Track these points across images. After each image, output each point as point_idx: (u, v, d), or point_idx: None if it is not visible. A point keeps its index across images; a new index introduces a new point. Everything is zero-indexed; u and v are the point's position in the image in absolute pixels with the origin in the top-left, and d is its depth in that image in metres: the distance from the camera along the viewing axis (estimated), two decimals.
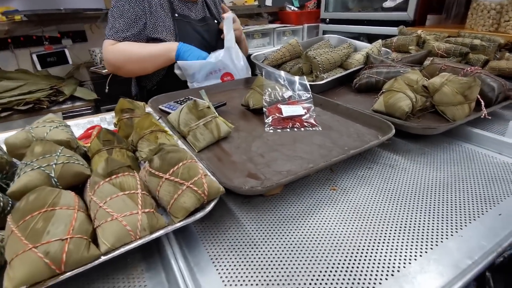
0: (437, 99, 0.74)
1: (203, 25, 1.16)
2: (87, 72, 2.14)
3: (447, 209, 0.50)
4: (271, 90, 0.82)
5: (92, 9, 1.94)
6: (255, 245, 0.45)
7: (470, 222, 0.47)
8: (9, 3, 1.84)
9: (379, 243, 0.44)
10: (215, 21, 1.21)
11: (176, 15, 1.09)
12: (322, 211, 0.51)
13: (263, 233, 0.47)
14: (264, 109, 0.78)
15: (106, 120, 0.83)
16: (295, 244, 0.45)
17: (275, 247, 0.44)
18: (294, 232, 0.47)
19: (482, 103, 0.73)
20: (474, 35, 1.18)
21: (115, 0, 1.01)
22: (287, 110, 0.76)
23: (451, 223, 0.47)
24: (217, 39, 1.17)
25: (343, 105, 0.80)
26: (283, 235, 0.46)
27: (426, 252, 0.42)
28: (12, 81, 1.78)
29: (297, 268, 0.41)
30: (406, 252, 0.42)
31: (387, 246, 0.43)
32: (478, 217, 0.48)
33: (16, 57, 1.99)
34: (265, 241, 0.46)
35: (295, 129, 0.73)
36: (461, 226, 0.46)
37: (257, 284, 0.39)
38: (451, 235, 0.45)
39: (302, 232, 0.47)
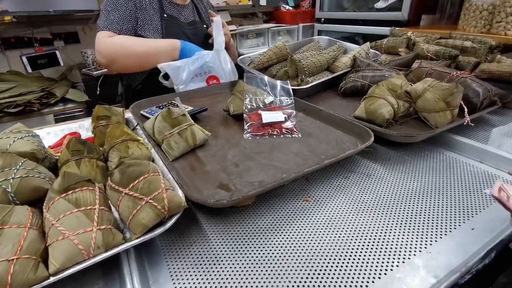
0: (420, 105, 0.73)
1: (192, 28, 1.16)
2: (79, 74, 2.13)
3: (419, 223, 0.48)
4: (252, 96, 0.80)
5: (83, 11, 1.93)
6: (218, 261, 0.44)
7: (440, 237, 0.45)
8: None
9: (347, 258, 0.43)
10: (204, 26, 1.20)
11: (165, 15, 1.08)
12: (293, 224, 0.50)
13: (229, 248, 0.46)
14: (244, 115, 0.77)
15: (85, 126, 0.82)
16: (262, 260, 0.44)
17: (241, 264, 0.43)
18: (261, 247, 0.46)
19: (465, 109, 0.71)
20: (465, 36, 1.16)
21: None
22: (267, 117, 0.74)
23: (421, 238, 0.45)
24: (205, 43, 1.16)
25: (325, 110, 0.79)
26: (250, 251, 0.45)
27: (391, 269, 0.41)
28: (3, 83, 1.78)
29: (261, 286, 0.40)
30: (372, 269, 0.41)
31: (354, 262, 0.42)
32: (450, 231, 0.47)
33: (7, 58, 1.98)
34: (230, 257, 0.44)
35: (274, 136, 0.72)
36: (430, 241, 0.45)
37: None
38: (419, 251, 0.43)
39: (271, 247, 0.46)
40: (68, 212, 0.39)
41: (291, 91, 0.84)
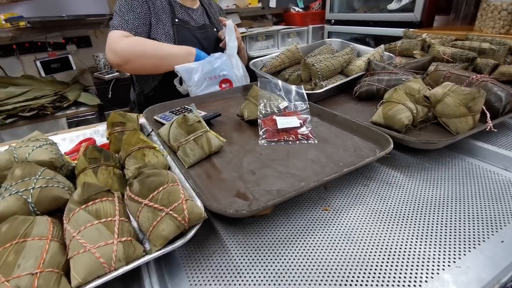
0: (439, 110, 0.71)
1: (203, 32, 1.16)
2: (91, 77, 2.16)
3: (445, 235, 0.47)
4: (267, 101, 0.79)
5: (95, 15, 1.95)
6: (239, 273, 0.43)
7: (469, 251, 0.44)
8: (13, 9, 1.87)
9: (369, 273, 0.41)
10: (215, 29, 1.20)
11: (176, 20, 1.08)
12: (312, 235, 0.49)
13: (249, 259, 0.45)
14: (259, 120, 0.76)
15: (100, 132, 0.83)
16: (282, 271, 0.43)
17: (262, 275, 0.42)
18: (281, 259, 0.45)
19: (488, 114, 0.69)
20: (483, 38, 1.13)
21: None
22: (282, 122, 0.73)
23: (449, 251, 0.44)
24: (215, 47, 1.16)
25: (341, 115, 0.77)
26: (269, 262, 0.44)
27: (420, 285, 0.39)
28: (18, 87, 1.81)
29: None
30: (400, 284, 0.39)
31: (378, 277, 0.41)
32: (479, 244, 0.45)
33: (22, 63, 2.02)
34: (250, 268, 0.44)
35: (290, 142, 0.71)
36: (459, 255, 0.43)
37: None
38: (448, 265, 0.42)
39: (290, 259, 0.44)
40: (89, 224, 0.38)
41: (305, 96, 0.83)
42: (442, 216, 0.51)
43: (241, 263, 0.45)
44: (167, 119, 0.82)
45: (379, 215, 0.52)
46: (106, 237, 0.38)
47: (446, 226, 0.48)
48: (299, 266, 0.43)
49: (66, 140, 0.80)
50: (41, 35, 1.99)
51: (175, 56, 1.00)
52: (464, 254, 0.43)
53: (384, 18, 2.03)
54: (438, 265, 0.42)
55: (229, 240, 0.49)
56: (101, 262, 0.36)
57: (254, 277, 0.42)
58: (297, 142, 0.70)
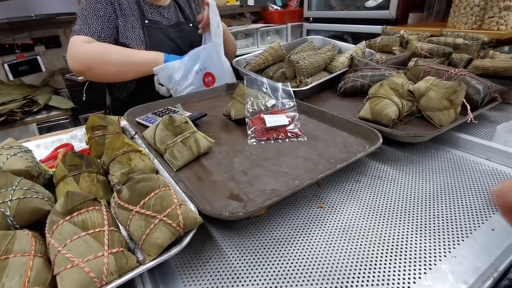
0: (423, 104, 0.72)
1: (177, 31, 1.10)
2: (62, 79, 2.05)
3: (438, 226, 0.48)
4: (254, 99, 0.78)
5: (65, 14, 1.85)
6: (238, 277, 0.42)
7: (463, 240, 0.45)
8: None
9: (369, 268, 0.41)
10: (191, 25, 1.15)
11: (146, 21, 1.02)
12: (309, 233, 0.48)
13: (247, 262, 0.44)
14: (246, 119, 0.75)
15: (78, 137, 0.78)
16: (281, 273, 0.41)
17: (262, 278, 0.41)
18: (280, 259, 0.44)
19: (468, 107, 0.71)
20: (456, 33, 1.17)
21: None
22: (271, 120, 0.72)
23: (444, 242, 0.45)
24: (192, 46, 1.10)
25: (329, 112, 0.77)
26: (268, 264, 0.43)
27: (419, 277, 0.39)
28: None
29: None
30: (400, 278, 0.40)
31: (378, 272, 0.41)
32: (471, 233, 0.46)
33: None
34: (250, 272, 0.42)
35: (279, 141, 0.70)
36: (453, 245, 0.44)
37: None
38: (444, 255, 0.42)
39: (288, 259, 0.44)
40: (75, 236, 0.35)
41: (292, 93, 0.82)
42: (433, 208, 0.52)
43: (239, 266, 0.43)
44: (150, 121, 0.78)
45: (373, 210, 0.52)
46: (95, 249, 0.35)
47: (438, 218, 0.49)
48: (298, 266, 0.42)
49: (41, 147, 0.75)
50: (8, 36, 1.87)
51: (141, 63, 0.94)
52: (458, 244, 0.44)
53: (361, 16, 2.08)
54: (435, 256, 0.42)
55: (225, 243, 0.47)
56: (92, 276, 0.33)
57: (254, 280, 0.41)
58: (287, 140, 0.70)
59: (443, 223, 0.48)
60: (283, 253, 0.45)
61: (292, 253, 0.45)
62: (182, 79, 0.98)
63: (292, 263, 0.43)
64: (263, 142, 0.69)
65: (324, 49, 1.11)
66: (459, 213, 0.50)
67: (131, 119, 0.82)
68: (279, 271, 0.42)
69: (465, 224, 0.48)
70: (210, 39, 1.05)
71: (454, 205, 0.52)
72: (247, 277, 0.41)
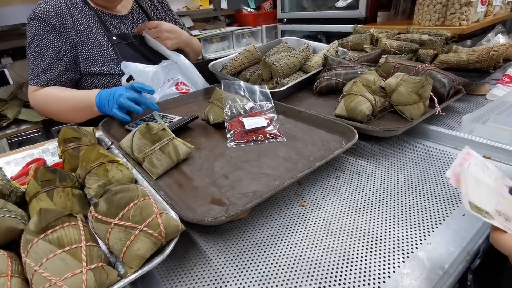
0: (395, 99, 0.75)
1: (145, 42, 1.03)
2: None
3: (414, 215, 0.50)
4: (232, 103, 0.78)
5: None
6: (223, 282, 0.41)
7: (436, 227, 0.47)
8: None
9: (351, 262, 0.42)
10: None
11: (114, 37, 0.95)
12: (292, 233, 0.49)
13: (232, 266, 0.44)
14: (225, 123, 0.75)
15: (50, 151, 0.75)
16: (266, 274, 0.42)
17: (248, 281, 0.41)
18: (264, 261, 0.44)
19: (436, 100, 0.75)
20: (421, 30, 1.23)
21: (31, 35, 0.86)
22: (249, 123, 0.73)
23: (419, 230, 0.47)
24: (162, 54, 1.04)
25: (306, 111, 0.79)
26: (253, 266, 0.43)
27: (398, 266, 0.41)
28: None
29: None
30: (380, 269, 0.41)
31: (360, 264, 0.42)
32: (444, 219, 0.48)
33: None
34: (235, 276, 0.42)
35: (259, 142, 0.70)
36: (429, 232, 0.46)
37: None
38: (420, 243, 0.44)
39: (273, 260, 0.44)
40: (51, 254, 0.34)
41: (270, 95, 0.83)
42: (409, 198, 0.54)
43: (224, 271, 0.43)
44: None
45: (353, 205, 0.53)
46: (73, 266, 0.34)
47: (413, 207, 0.51)
48: (283, 265, 0.43)
49: (11, 163, 0.71)
50: None
51: (80, 109, 0.86)
52: (433, 231, 0.46)
53: (333, 15, 2.13)
54: (412, 245, 0.44)
55: (209, 249, 0.47)
56: None
57: (240, 283, 0.41)
58: (266, 141, 0.70)
59: (418, 212, 0.50)
60: (267, 254, 0.45)
61: (276, 253, 0.45)
62: (154, 86, 0.96)
63: (277, 263, 0.44)
64: (243, 145, 0.70)
65: (298, 49, 1.13)
66: (432, 201, 0.52)
67: (107, 129, 0.80)
68: (264, 272, 0.42)
69: (438, 212, 0.50)
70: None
71: (427, 194, 0.54)
72: (233, 281, 0.41)
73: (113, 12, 0.99)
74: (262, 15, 2.66)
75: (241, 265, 0.44)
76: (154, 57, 1.02)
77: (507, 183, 0.37)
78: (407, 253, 0.43)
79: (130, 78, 0.92)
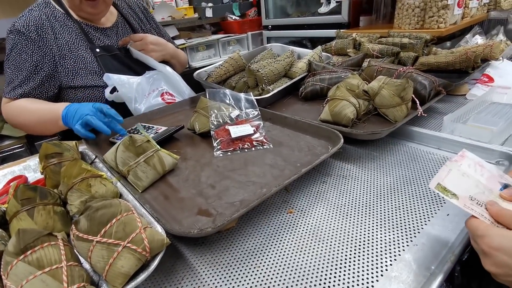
0: (378, 102, 0.76)
1: (129, 54, 1.03)
2: None
3: (399, 217, 0.50)
4: (217, 111, 0.78)
5: None
6: None
7: (422, 228, 0.47)
8: None
9: (340, 267, 0.42)
10: None
11: (97, 49, 0.94)
12: (280, 240, 0.48)
13: (220, 278, 0.43)
14: (211, 132, 0.74)
15: (31, 167, 0.73)
16: (255, 284, 0.41)
17: None
18: (253, 271, 0.43)
19: (417, 101, 0.76)
20: (402, 34, 1.26)
21: (10, 48, 0.86)
22: (236, 131, 0.73)
23: (405, 232, 0.47)
24: (146, 65, 1.04)
25: (292, 117, 0.79)
26: (242, 277, 0.43)
27: (386, 269, 0.41)
28: None
29: None
30: (368, 273, 0.41)
31: (349, 270, 0.42)
32: (429, 220, 0.49)
33: None
34: (222, 287, 0.42)
35: (246, 150, 0.70)
36: (415, 233, 0.46)
37: None
38: (407, 245, 0.45)
39: (262, 269, 0.44)
40: (31, 276, 0.33)
41: (255, 102, 0.83)
42: (395, 200, 0.54)
43: (213, 284, 0.42)
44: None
45: (340, 209, 0.54)
46: (54, 287, 0.33)
47: (399, 209, 0.52)
48: (272, 274, 0.43)
49: None
50: None
51: (47, 122, 0.85)
52: (419, 232, 0.47)
53: (316, 21, 2.16)
54: (399, 247, 0.44)
55: (197, 261, 0.46)
56: None
57: None
58: (253, 149, 0.70)
59: (403, 214, 0.51)
60: (256, 264, 0.45)
61: (265, 262, 0.45)
62: (140, 97, 0.96)
63: (266, 272, 0.43)
64: (229, 153, 0.69)
65: (283, 55, 1.14)
66: (417, 202, 0.53)
67: (91, 142, 0.78)
68: (253, 282, 0.42)
69: (423, 213, 0.51)
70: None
71: (412, 195, 0.55)
72: None
73: (97, 24, 0.98)
74: (247, 23, 2.68)
75: (230, 276, 0.43)
76: (140, 69, 1.01)
77: (503, 180, 0.39)
78: (394, 255, 0.43)
79: (113, 90, 0.91)
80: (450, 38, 1.64)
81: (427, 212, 0.51)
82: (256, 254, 0.46)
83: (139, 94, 0.94)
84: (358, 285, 0.40)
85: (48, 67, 0.88)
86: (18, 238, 0.35)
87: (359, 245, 0.45)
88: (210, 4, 2.59)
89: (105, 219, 0.39)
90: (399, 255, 0.43)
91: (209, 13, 2.55)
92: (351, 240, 0.47)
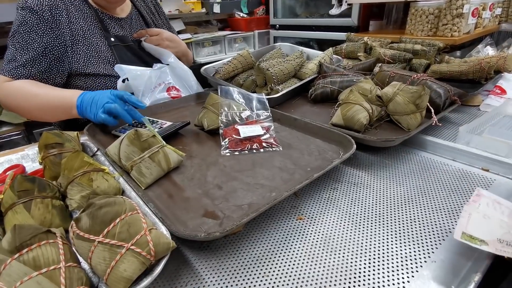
0: (391, 108, 0.74)
1: (141, 46, 1.02)
2: None
3: (416, 231, 0.48)
4: (228, 109, 0.75)
5: None
6: None
7: (440, 243, 0.45)
8: None
9: (354, 281, 0.40)
10: None
11: (112, 39, 0.92)
12: (290, 248, 0.46)
13: (226, 285, 0.41)
14: (220, 130, 0.72)
15: (29, 156, 0.70)
16: None
17: None
18: (260, 279, 0.41)
19: (432, 110, 0.74)
20: (414, 40, 1.24)
21: (18, 24, 0.80)
22: (245, 131, 0.70)
23: (423, 246, 0.45)
24: (157, 59, 1.04)
25: (301, 119, 0.77)
26: (248, 285, 0.40)
27: (404, 287, 0.39)
28: None
29: None
30: None
31: (363, 284, 0.39)
32: (447, 235, 0.47)
33: None
34: None
35: (254, 151, 0.68)
36: (432, 249, 0.44)
37: None
38: (425, 261, 0.42)
39: (270, 278, 0.41)
40: (26, 277, 0.30)
41: (267, 104, 0.81)
42: (410, 212, 0.52)
43: None
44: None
45: (353, 218, 0.51)
46: None
47: (416, 222, 0.50)
48: (279, 283, 0.40)
49: None
50: None
51: (56, 108, 0.80)
52: (437, 248, 0.44)
53: (325, 23, 2.14)
54: (416, 263, 0.42)
55: (201, 267, 0.44)
56: None
57: None
58: (261, 150, 0.68)
59: (419, 227, 0.49)
60: (264, 272, 0.42)
61: (273, 270, 0.42)
62: (146, 90, 0.93)
63: (274, 282, 0.41)
64: (237, 153, 0.67)
65: (292, 55, 1.12)
66: (433, 215, 0.51)
67: (93, 134, 0.76)
68: None
69: (440, 227, 0.48)
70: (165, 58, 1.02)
71: (428, 208, 0.53)
72: None
73: (112, 13, 0.96)
74: (254, 21, 2.65)
75: (236, 284, 0.41)
76: (151, 62, 1.00)
77: None
78: (412, 272, 0.41)
79: (123, 81, 0.89)
80: (460, 47, 1.62)
81: (444, 226, 0.48)
82: (264, 262, 0.44)
83: (146, 87, 0.91)
84: None
85: (58, 51, 0.84)
86: (13, 234, 0.33)
87: (374, 259, 0.43)
88: (218, 0, 2.56)
89: (108, 218, 0.36)
90: (417, 271, 0.41)
91: (216, 8, 2.52)
92: (365, 253, 0.44)
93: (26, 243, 0.32)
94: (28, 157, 0.69)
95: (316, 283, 0.40)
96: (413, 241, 0.46)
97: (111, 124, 0.73)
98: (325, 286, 0.39)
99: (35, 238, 0.33)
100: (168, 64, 1.00)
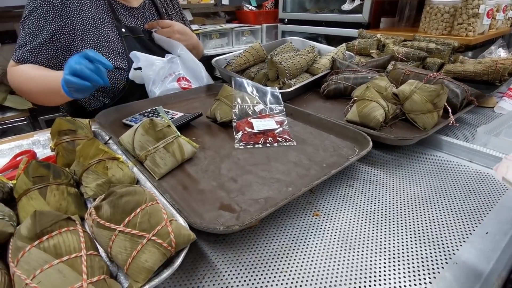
0: (408, 107, 0.73)
1: (152, 38, 1.00)
2: None
3: (436, 231, 0.47)
4: (241, 102, 0.74)
5: (22, 6, 1.68)
6: None
7: (461, 245, 0.44)
8: None
9: (374, 280, 0.39)
10: None
11: (123, 29, 0.90)
12: (307, 244, 0.45)
13: (243, 278, 0.40)
14: (233, 123, 0.71)
15: (41, 142, 0.69)
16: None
17: None
18: (277, 273, 0.40)
19: (450, 110, 0.73)
20: (428, 38, 1.22)
21: (30, 10, 0.80)
22: (259, 124, 0.69)
23: (443, 248, 0.44)
24: (167, 52, 1.02)
25: (315, 115, 0.76)
26: (265, 279, 0.40)
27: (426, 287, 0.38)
28: None
29: None
30: None
31: (384, 284, 0.39)
32: (467, 237, 0.46)
33: None
34: None
35: (268, 145, 0.67)
36: (453, 251, 0.43)
37: None
38: (446, 262, 0.42)
39: (287, 273, 0.41)
40: (46, 265, 0.30)
41: (280, 98, 0.80)
42: (428, 212, 0.51)
43: (236, 285, 0.39)
44: (137, 123, 0.71)
45: (370, 216, 0.50)
46: (72, 280, 0.30)
47: (435, 222, 0.49)
48: (299, 280, 0.40)
49: None
50: None
51: (52, 92, 0.77)
52: (458, 249, 0.44)
53: (335, 19, 2.11)
54: (437, 264, 0.42)
55: (218, 260, 0.43)
56: None
57: None
58: (275, 144, 0.67)
59: (439, 228, 0.48)
60: (282, 267, 0.42)
61: (291, 266, 0.42)
62: (156, 79, 0.92)
63: (292, 277, 0.40)
64: (250, 146, 0.66)
65: (304, 50, 1.10)
66: (453, 217, 0.50)
67: (103, 123, 0.75)
68: (277, 285, 0.39)
69: (460, 229, 0.48)
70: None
71: (447, 209, 0.52)
72: None
73: (125, 2, 0.94)
74: (263, 14, 2.62)
75: (254, 278, 0.40)
76: (161, 54, 0.98)
77: None
78: (433, 273, 0.40)
79: (138, 69, 0.88)
80: (472, 48, 1.60)
81: (464, 228, 0.48)
82: (281, 256, 0.43)
83: (158, 76, 0.90)
84: None
85: (66, 39, 0.83)
86: (34, 221, 0.32)
87: (394, 258, 0.42)
88: None
89: (129, 207, 0.35)
90: (439, 273, 0.40)
91: (225, 0, 2.49)
92: (385, 252, 0.44)
93: (47, 230, 0.32)
94: (39, 143, 0.69)
95: (335, 280, 0.39)
96: (433, 242, 0.45)
97: (84, 88, 0.64)
98: (345, 284, 0.39)
99: (56, 225, 0.33)
100: (179, 56, 0.98)
